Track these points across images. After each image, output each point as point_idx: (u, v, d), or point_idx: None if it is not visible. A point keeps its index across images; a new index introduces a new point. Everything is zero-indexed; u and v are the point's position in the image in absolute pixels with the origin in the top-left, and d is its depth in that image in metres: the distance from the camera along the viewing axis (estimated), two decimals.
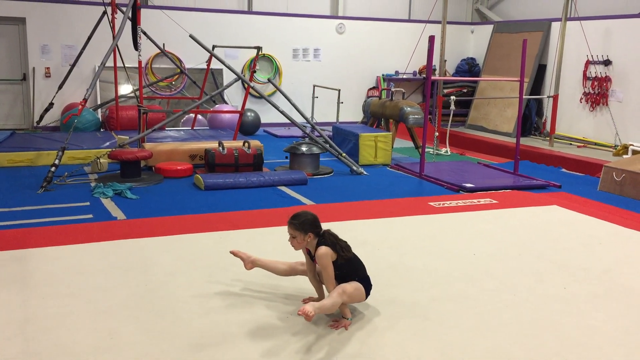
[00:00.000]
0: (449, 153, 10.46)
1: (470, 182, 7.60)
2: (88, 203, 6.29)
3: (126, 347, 3.13)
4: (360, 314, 3.60)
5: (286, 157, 8.78)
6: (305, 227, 3.42)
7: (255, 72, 9.77)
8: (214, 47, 10.14)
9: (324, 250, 3.39)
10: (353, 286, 3.44)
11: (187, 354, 3.08)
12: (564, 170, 9.32)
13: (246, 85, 9.51)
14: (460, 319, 3.58)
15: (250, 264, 3.82)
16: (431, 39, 7.91)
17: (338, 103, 11.99)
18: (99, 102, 11.45)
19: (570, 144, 11.02)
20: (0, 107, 11.39)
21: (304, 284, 3.96)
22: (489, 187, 7.42)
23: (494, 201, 6.60)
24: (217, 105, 11.61)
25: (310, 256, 3.56)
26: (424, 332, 3.39)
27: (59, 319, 3.43)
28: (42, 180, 6.93)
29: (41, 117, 10.97)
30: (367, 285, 3.57)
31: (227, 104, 12.05)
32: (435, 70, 12.58)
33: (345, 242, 3.54)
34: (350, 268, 3.51)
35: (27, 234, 4.97)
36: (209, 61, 10.33)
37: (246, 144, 8.07)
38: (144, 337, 3.24)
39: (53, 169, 6.98)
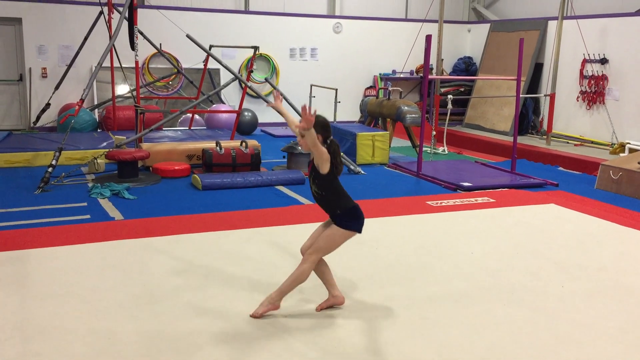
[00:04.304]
0: (447, 152, 10.47)
1: (467, 181, 7.61)
2: (85, 204, 6.29)
3: (124, 348, 3.13)
4: (356, 312, 3.60)
5: (284, 157, 8.77)
6: (316, 127, 3.25)
7: (252, 71, 9.76)
8: (210, 47, 10.13)
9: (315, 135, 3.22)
10: (321, 241, 3.46)
11: (184, 355, 3.08)
12: (561, 168, 9.34)
13: (243, 85, 9.51)
14: (458, 317, 3.59)
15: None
16: (428, 38, 7.92)
17: (335, 102, 11.99)
18: (95, 103, 11.42)
19: (567, 142, 11.03)
20: None
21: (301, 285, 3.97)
22: (487, 186, 7.43)
23: (492, 200, 6.61)
24: (214, 105, 11.61)
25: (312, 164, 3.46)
26: (421, 331, 3.40)
27: (57, 319, 3.43)
28: (39, 181, 6.92)
29: (38, 118, 10.95)
30: (355, 216, 3.52)
31: (225, 103, 12.04)
32: (432, 69, 12.59)
33: (342, 162, 3.49)
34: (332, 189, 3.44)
35: (24, 235, 4.97)
36: (206, 61, 10.32)
37: (244, 144, 8.07)
38: (141, 338, 3.24)
39: (50, 169, 6.97)
